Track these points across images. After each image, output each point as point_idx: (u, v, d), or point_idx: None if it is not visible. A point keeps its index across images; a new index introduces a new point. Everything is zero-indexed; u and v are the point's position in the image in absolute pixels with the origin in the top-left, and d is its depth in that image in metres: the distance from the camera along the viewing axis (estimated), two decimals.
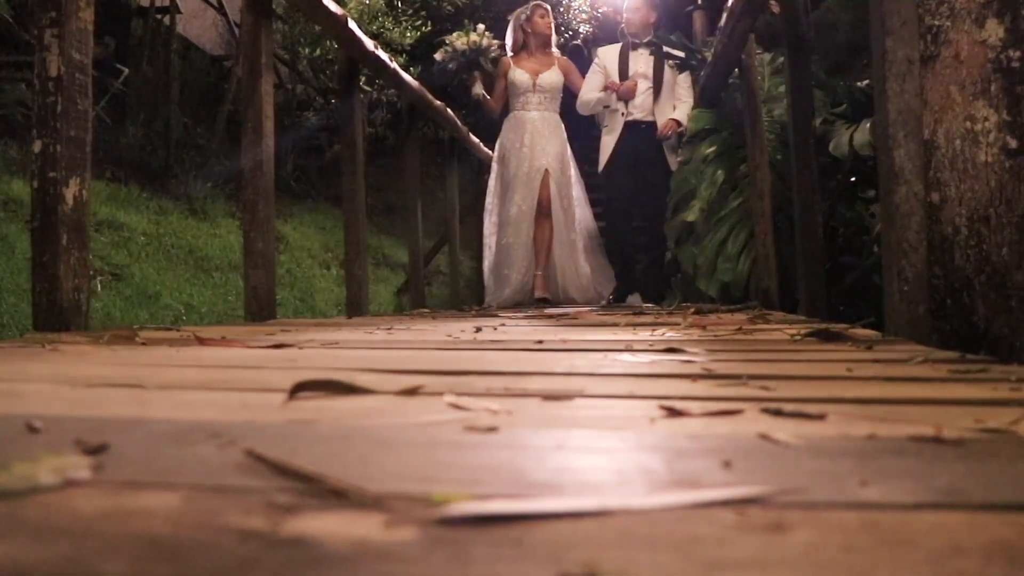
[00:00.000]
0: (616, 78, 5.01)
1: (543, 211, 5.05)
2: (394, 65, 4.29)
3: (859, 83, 3.68)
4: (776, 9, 3.34)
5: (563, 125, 5.21)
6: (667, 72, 4.97)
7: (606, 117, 5.06)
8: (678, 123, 4.75)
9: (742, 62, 3.70)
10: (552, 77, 5.14)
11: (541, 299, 4.83)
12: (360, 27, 3.85)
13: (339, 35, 3.60)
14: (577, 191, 5.25)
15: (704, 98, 4.40)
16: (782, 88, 3.62)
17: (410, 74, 4.91)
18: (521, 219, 5.00)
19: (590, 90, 5.07)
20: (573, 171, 5.24)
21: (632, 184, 4.94)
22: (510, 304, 4.87)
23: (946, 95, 1.27)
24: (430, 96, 4.84)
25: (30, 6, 5.16)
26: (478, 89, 5.21)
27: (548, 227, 5.02)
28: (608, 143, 5.05)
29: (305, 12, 3.78)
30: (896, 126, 1.44)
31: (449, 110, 5.29)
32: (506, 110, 5.23)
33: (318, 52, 7.75)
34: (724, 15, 3.59)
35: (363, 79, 5.14)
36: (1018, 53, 1.24)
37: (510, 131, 5.13)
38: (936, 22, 1.28)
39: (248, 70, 2.74)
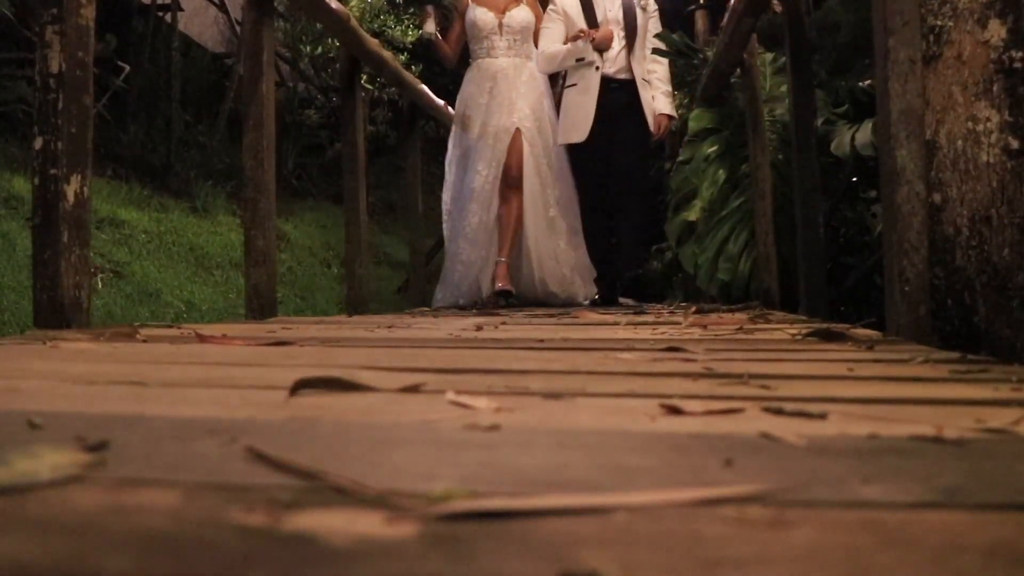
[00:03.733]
0: (582, 25, 4.06)
1: (511, 182, 4.03)
2: (395, 63, 4.29)
3: (861, 83, 3.68)
4: (778, 9, 3.33)
5: (540, 75, 4.24)
6: (639, 15, 4.13)
7: (573, 73, 4.10)
8: (670, 117, 4.12)
9: (744, 62, 3.70)
10: (522, 15, 4.16)
11: (502, 292, 3.86)
12: (361, 25, 3.86)
13: (341, 33, 3.60)
14: (558, 158, 4.25)
15: (706, 97, 4.39)
16: (784, 88, 3.62)
17: (411, 73, 4.90)
18: (486, 194, 4.02)
19: (552, 42, 4.09)
20: (552, 133, 4.24)
21: (610, 155, 4.08)
22: (453, 304, 3.94)
23: (948, 95, 1.27)
24: (431, 94, 4.83)
25: (32, 3, 5.16)
26: (430, 27, 4.23)
27: (516, 203, 4.02)
28: (582, 106, 4.02)
29: (307, 10, 3.79)
30: (898, 126, 1.44)
31: (451, 108, 5.26)
32: (465, 59, 4.30)
33: (320, 50, 7.74)
34: (726, 14, 3.59)
35: (364, 77, 5.10)
36: (1020, 54, 1.24)
37: (472, 83, 4.16)
38: (938, 22, 1.28)
39: (249, 68, 2.74)
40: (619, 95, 4.05)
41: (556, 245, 4.13)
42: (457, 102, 4.27)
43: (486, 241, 4.04)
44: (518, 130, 4.05)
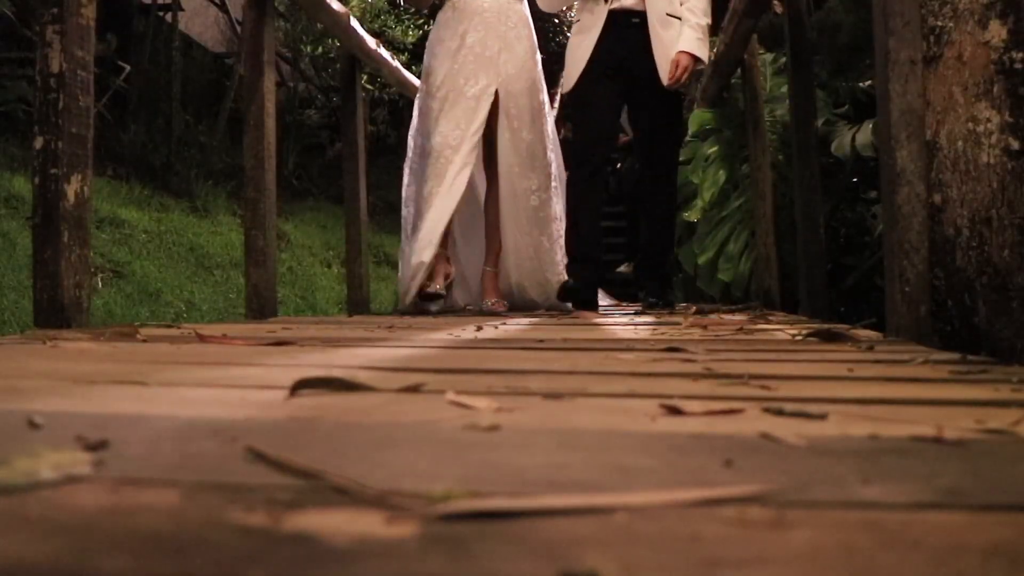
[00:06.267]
0: None
1: (487, 165, 3.22)
2: (396, 63, 4.29)
3: (861, 84, 3.69)
4: (779, 9, 3.34)
5: (531, 21, 3.34)
6: None
7: (580, 9, 3.23)
8: (693, 58, 3.03)
9: (745, 62, 3.71)
10: None
11: (490, 312, 3.08)
12: (362, 25, 3.86)
13: (341, 33, 3.61)
14: (549, 129, 3.38)
15: (706, 98, 4.40)
16: (784, 88, 3.63)
17: (412, 72, 4.90)
18: (448, 156, 3.07)
19: None
20: (545, 98, 3.36)
21: (616, 110, 3.22)
22: (406, 310, 3.08)
23: (948, 96, 1.27)
24: None
25: (32, 3, 5.16)
26: None
27: (496, 194, 3.21)
28: (580, 47, 3.14)
29: (307, 9, 3.79)
30: (898, 127, 1.44)
31: None
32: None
33: (320, 50, 7.76)
34: (727, 15, 3.59)
35: (365, 77, 5.10)
36: (1021, 55, 1.24)
37: (444, 27, 3.25)
38: (939, 23, 1.28)
39: (250, 67, 2.74)
40: (639, 35, 3.07)
41: (539, 242, 3.27)
42: (425, 53, 3.35)
43: (447, 225, 3.10)
44: (496, 93, 3.17)
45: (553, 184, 3.33)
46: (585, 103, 3.12)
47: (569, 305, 3.17)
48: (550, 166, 3.32)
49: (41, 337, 1.48)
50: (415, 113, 3.40)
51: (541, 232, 3.28)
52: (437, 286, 3.13)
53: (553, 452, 0.52)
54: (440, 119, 3.12)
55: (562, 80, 3.21)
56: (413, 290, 3.06)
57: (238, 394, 0.80)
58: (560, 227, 3.33)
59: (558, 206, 3.34)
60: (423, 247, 3.04)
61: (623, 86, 3.10)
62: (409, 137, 3.44)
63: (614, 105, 3.16)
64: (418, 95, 3.38)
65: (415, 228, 3.16)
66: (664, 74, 3.02)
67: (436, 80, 3.17)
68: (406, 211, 3.36)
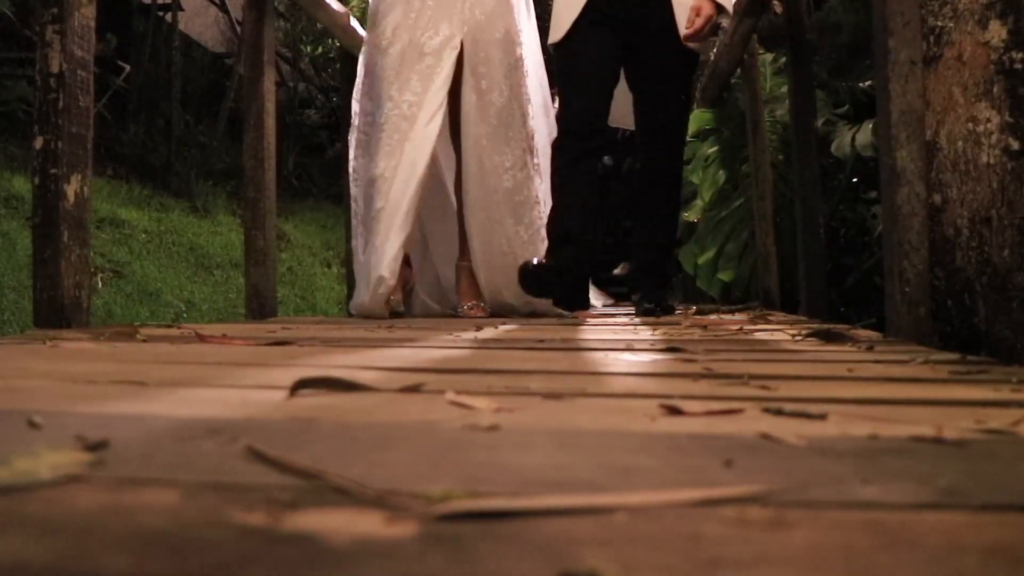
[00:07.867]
0: None
1: (454, 136, 2.68)
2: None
3: (861, 84, 3.69)
4: (779, 9, 3.34)
5: None
6: None
7: None
8: (716, 6, 2.47)
9: (744, 62, 3.71)
10: None
11: (469, 313, 2.63)
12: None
13: (341, 32, 3.61)
14: (537, 94, 2.81)
15: (706, 98, 4.40)
16: (784, 88, 3.63)
17: None
18: (404, 130, 2.52)
19: None
20: (529, 55, 2.76)
21: (615, 73, 2.60)
22: (366, 313, 2.55)
23: (948, 96, 1.27)
24: None
25: (32, 3, 5.16)
26: None
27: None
28: None
29: (307, 9, 3.79)
30: (898, 127, 1.44)
31: None
32: None
33: (320, 50, 7.76)
34: None
35: None
36: (1021, 55, 1.24)
37: None
38: (939, 23, 1.28)
39: (250, 67, 2.74)
40: None
41: (514, 232, 2.64)
42: (369, 7, 2.75)
43: (397, 219, 2.50)
44: (462, 45, 2.58)
45: (535, 160, 2.70)
46: (576, 59, 2.52)
47: (549, 303, 2.63)
48: (530, 138, 2.69)
49: (41, 337, 1.48)
50: (360, 71, 2.80)
51: (517, 221, 2.65)
52: (395, 298, 2.58)
53: (553, 452, 0.52)
54: (394, 81, 2.53)
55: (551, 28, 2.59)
56: (375, 307, 2.51)
57: (238, 394, 0.80)
58: (542, 213, 2.70)
59: (540, 188, 2.71)
60: (381, 259, 2.48)
61: (623, 40, 2.52)
62: (354, 100, 2.84)
63: (613, 66, 2.57)
64: (364, 48, 2.79)
65: (368, 221, 2.60)
66: (682, 25, 2.48)
67: (386, 30, 2.57)
68: (355, 190, 2.76)
